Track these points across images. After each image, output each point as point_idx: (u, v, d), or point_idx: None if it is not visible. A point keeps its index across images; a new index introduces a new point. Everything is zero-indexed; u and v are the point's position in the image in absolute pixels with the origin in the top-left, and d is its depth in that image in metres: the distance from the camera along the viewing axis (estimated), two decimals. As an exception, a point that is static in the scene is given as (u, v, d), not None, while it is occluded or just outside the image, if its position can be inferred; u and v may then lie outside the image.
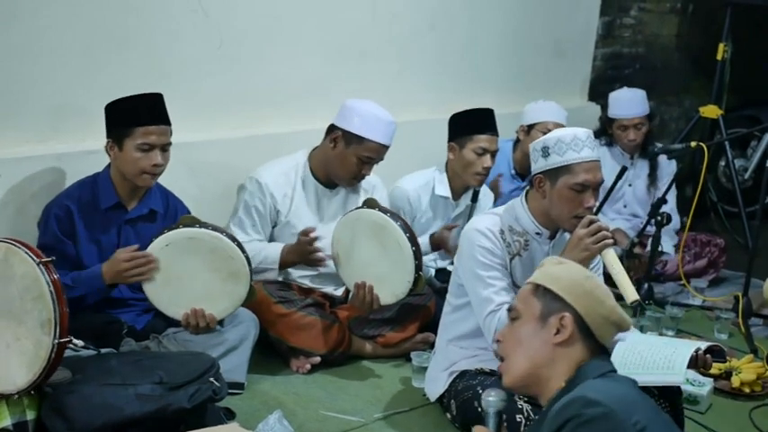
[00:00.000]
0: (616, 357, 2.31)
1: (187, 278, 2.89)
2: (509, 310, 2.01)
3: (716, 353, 2.67)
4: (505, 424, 2.56)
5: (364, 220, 3.22)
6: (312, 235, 3.28)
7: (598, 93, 5.45)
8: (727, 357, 3.46)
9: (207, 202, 3.48)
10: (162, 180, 3.13)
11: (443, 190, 3.80)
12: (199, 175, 3.58)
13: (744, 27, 5.08)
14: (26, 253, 2.43)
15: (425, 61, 4.47)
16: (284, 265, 3.38)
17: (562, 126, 4.05)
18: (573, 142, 2.72)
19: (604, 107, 5.32)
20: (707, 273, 4.63)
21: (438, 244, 3.67)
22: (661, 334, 3.80)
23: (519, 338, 1.92)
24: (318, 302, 3.45)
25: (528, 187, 2.90)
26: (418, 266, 3.14)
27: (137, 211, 3.10)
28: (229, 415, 2.88)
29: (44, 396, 2.53)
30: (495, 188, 4.12)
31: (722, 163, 5.77)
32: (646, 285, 3.95)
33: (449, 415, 2.97)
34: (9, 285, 2.45)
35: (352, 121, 3.36)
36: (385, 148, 3.40)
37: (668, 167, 4.73)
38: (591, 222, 2.72)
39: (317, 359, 3.36)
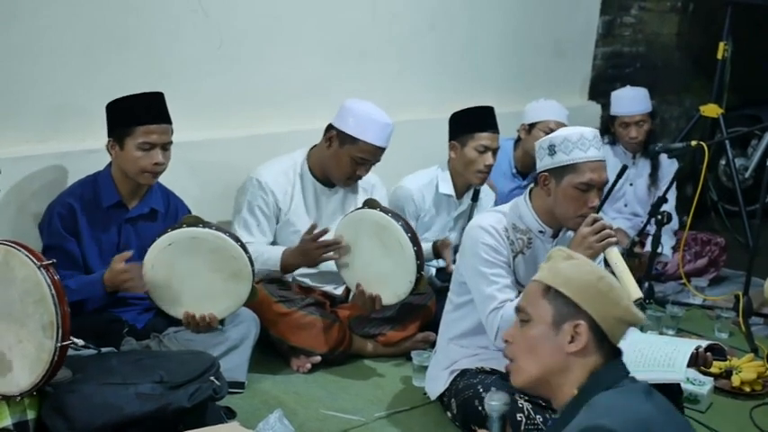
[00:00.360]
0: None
1: (189, 277, 2.89)
2: (517, 310, 1.91)
3: (716, 351, 2.67)
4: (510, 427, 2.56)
5: (366, 221, 3.22)
6: (316, 232, 3.25)
7: (598, 92, 5.45)
8: (728, 356, 3.46)
9: (207, 202, 3.49)
10: (162, 179, 3.13)
11: (447, 188, 3.80)
12: (199, 174, 3.58)
13: (744, 26, 5.08)
14: (26, 256, 2.43)
15: (425, 61, 4.47)
16: (286, 268, 3.36)
17: (563, 125, 4.05)
18: (580, 141, 2.73)
19: (605, 106, 5.32)
20: (707, 272, 4.63)
21: (442, 251, 3.68)
22: (661, 333, 3.80)
23: (530, 343, 1.84)
24: (319, 302, 3.45)
25: (532, 185, 2.90)
26: (420, 267, 3.14)
27: (138, 210, 3.10)
28: (230, 414, 2.88)
29: (45, 395, 2.53)
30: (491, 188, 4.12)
31: (723, 162, 5.76)
32: (646, 284, 3.94)
33: (449, 414, 2.97)
34: (9, 288, 2.45)
35: (348, 121, 3.35)
36: (380, 150, 3.40)
37: (670, 167, 4.72)
38: (595, 221, 2.73)
39: (318, 358, 3.36)
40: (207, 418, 2.66)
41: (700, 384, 3.23)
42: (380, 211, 3.21)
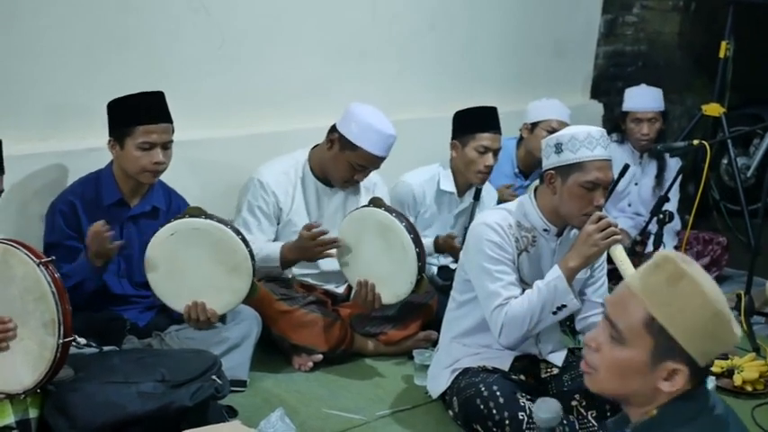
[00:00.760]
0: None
1: (190, 269, 2.88)
2: (607, 320, 1.68)
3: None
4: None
5: (370, 219, 3.22)
6: (315, 230, 3.26)
7: (600, 91, 5.45)
8: (730, 356, 3.47)
9: (208, 201, 3.45)
10: (163, 178, 3.14)
11: (448, 185, 3.80)
12: (200, 173, 3.59)
13: (746, 25, 5.07)
14: (25, 254, 2.42)
15: (425, 61, 4.47)
16: (285, 263, 3.37)
17: (566, 124, 4.05)
18: (587, 140, 2.73)
19: (607, 105, 5.31)
20: (709, 271, 4.54)
21: (444, 249, 3.67)
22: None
23: (620, 366, 1.67)
24: (320, 300, 3.45)
25: (537, 183, 2.90)
26: (421, 268, 3.14)
27: (139, 208, 3.11)
28: (231, 413, 2.89)
29: (47, 394, 2.53)
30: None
31: (724, 161, 5.76)
32: (648, 284, 3.93)
33: (451, 412, 2.97)
34: (9, 287, 2.45)
35: (350, 126, 3.35)
36: (379, 159, 3.40)
37: (676, 169, 4.72)
38: (600, 218, 2.73)
39: (319, 357, 3.36)
40: (209, 417, 2.67)
41: (701, 383, 3.22)
42: (385, 210, 3.20)
